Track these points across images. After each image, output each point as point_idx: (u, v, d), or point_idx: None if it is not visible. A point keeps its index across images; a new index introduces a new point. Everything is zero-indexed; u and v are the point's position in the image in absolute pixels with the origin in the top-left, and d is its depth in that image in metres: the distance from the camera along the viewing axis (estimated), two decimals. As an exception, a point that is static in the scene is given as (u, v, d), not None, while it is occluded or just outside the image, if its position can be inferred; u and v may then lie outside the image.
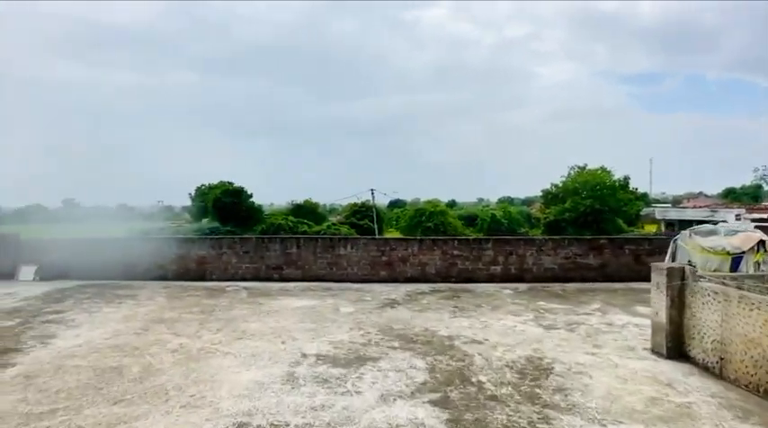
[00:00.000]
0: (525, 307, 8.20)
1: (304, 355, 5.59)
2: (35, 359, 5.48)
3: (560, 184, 37.01)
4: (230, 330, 6.66)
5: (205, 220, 50.61)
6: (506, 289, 9.67)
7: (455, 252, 10.39)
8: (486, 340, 6.20)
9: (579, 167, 38.44)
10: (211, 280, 10.68)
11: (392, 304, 8.40)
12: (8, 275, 10.74)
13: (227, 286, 10.04)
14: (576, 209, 31.32)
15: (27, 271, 10.63)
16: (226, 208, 45.98)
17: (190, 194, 61.57)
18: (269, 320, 7.21)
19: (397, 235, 59.94)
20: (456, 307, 8.19)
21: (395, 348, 5.84)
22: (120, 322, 7.10)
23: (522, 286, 10.00)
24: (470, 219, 55.30)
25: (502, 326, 6.90)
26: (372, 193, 44.93)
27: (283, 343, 6.08)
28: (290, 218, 49.78)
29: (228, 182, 50.64)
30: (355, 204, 57.33)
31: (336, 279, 10.52)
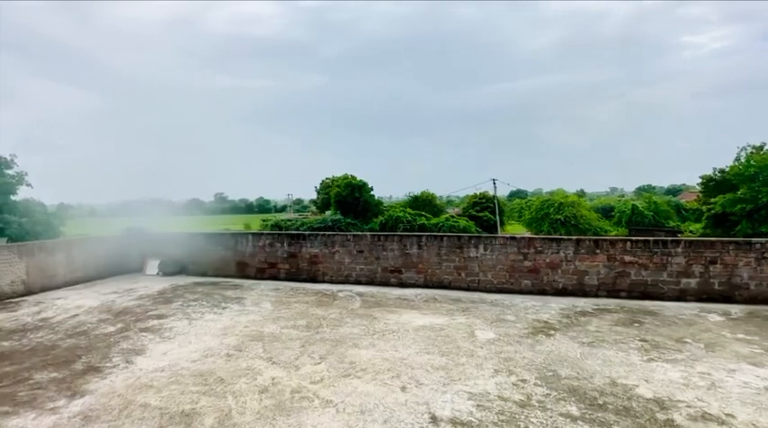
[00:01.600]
0: (761, 345, 5.35)
1: (434, 419, 3.72)
2: (109, 387, 4.43)
3: (728, 169, 30.08)
4: (336, 359, 5.08)
5: (328, 212, 52.04)
6: (711, 314, 6.74)
7: (626, 257, 7.67)
8: (731, 417, 3.70)
9: (755, 148, 30.91)
10: (323, 281, 9.41)
11: (546, 329, 6.14)
12: (137, 268, 10.67)
13: (340, 290, 8.65)
14: (756, 199, 24.92)
15: (152, 266, 10.42)
16: (347, 201, 46.55)
17: (315, 187, 64.34)
18: (385, 345, 5.50)
19: (520, 228, 55.64)
20: (644, 340, 5.64)
21: (574, 420, 3.68)
22: (216, 336, 5.96)
23: (735, 309, 6.95)
24: (605, 211, 48.67)
25: (742, 385, 4.28)
26: (494, 184, 41.63)
27: (404, 389, 4.28)
28: (408, 210, 48.80)
29: (351, 176, 51.41)
30: (475, 195, 54.37)
31: (466, 287, 8.52)
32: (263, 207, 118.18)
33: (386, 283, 9.05)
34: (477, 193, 53.55)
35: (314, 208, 67.41)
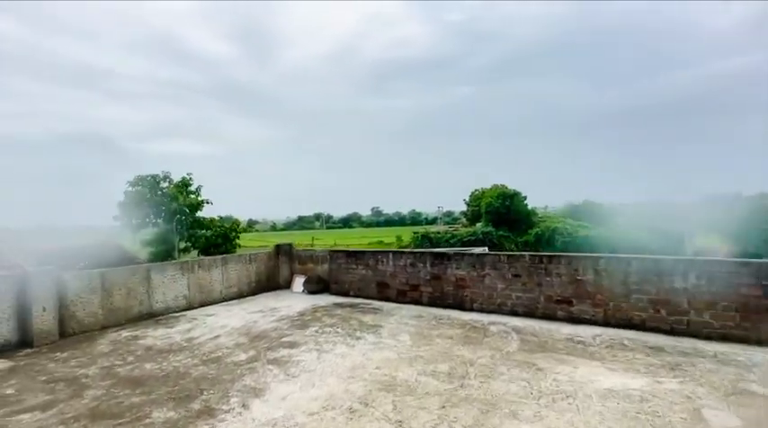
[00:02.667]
0: None
1: None
2: (213, 442, 3.73)
3: None
4: (487, 438, 3.61)
5: (479, 225, 49.94)
6: None
7: None
8: None
9: None
10: (471, 309, 7.94)
11: (839, 422, 3.70)
12: (286, 285, 10.65)
13: (491, 323, 7.09)
14: None
15: (298, 283, 10.26)
16: (498, 212, 43.93)
17: (464, 200, 62.75)
18: (558, 422, 3.83)
19: (722, 244, 45.69)
20: None
21: None
22: (342, 378, 5.00)
23: None
24: None
25: None
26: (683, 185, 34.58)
27: None
28: (568, 220, 43.87)
29: (502, 186, 48.61)
30: (650, 203, 46.45)
31: (668, 329, 6.18)
32: (414, 219, 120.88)
33: (550, 317, 7.17)
34: (653, 201, 45.67)
35: (464, 220, 65.83)
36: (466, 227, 56.17)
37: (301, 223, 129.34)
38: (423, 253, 8.59)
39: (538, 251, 41.28)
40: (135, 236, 22.56)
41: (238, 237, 22.01)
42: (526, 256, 7.44)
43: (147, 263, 8.12)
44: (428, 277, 8.47)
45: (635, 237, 39.97)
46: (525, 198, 47.05)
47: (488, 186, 52.86)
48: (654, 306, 6.36)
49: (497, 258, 7.71)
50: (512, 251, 41.55)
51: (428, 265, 8.48)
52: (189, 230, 20.39)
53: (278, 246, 10.69)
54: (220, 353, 6.00)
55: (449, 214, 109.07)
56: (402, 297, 8.80)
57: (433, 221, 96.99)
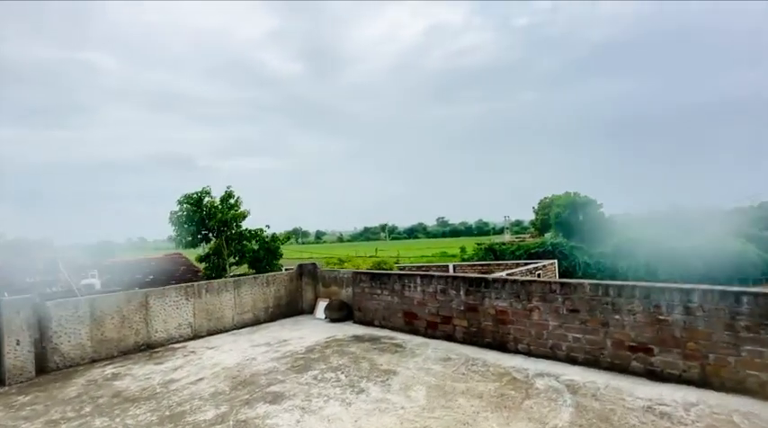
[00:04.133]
0: None
1: None
2: None
3: None
4: None
5: (548, 235, 46.38)
6: None
7: None
8: None
9: None
10: (515, 351, 6.21)
11: None
12: (309, 309, 9.49)
13: (538, 374, 5.35)
14: None
15: (321, 308, 9.06)
16: (569, 221, 40.36)
17: (533, 208, 58.99)
18: None
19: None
20: None
21: None
22: (312, 462, 3.62)
23: None
24: None
25: None
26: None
27: None
28: (651, 230, 39.20)
29: (574, 193, 44.88)
30: (753, 207, 40.23)
31: (806, 402, 4.12)
32: (481, 229, 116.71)
33: (621, 368, 5.29)
34: (756, 205, 39.35)
35: (533, 230, 61.89)
36: (534, 237, 52.56)
37: (367, 234, 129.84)
38: (455, 278, 7.00)
39: (615, 265, 37.13)
40: (189, 252, 22.80)
41: (279, 250, 21.33)
42: (586, 285, 5.61)
43: (145, 289, 7.29)
44: (462, 308, 6.86)
45: (732, 248, 34.69)
46: (601, 205, 42.97)
47: (558, 192, 49.07)
48: (781, 364, 4.32)
49: (548, 287, 5.94)
50: (579, 264, 37.71)
51: (462, 293, 6.87)
52: (237, 244, 20.09)
53: (300, 267, 9.58)
54: (188, 407, 4.86)
55: (517, 223, 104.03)
56: (432, 330, 7.25)
57: (501, 231, 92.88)
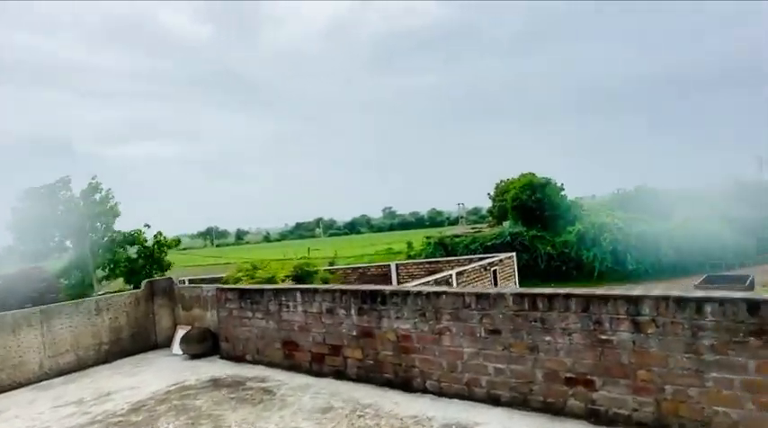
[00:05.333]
0: None
1: None
2: None
3: None
4: None
5: (506, 224, 47.03)
6: None
7: None
8: None
9: None
10: (422, 389, 5.32)
11: None
12: (168, 342, 8.18)
13: (448, 425, 4.47)
14: None
15: (178, 340, 7.79)
16: (527, 206, 40.97)
17: (489, 194, 59.84)
18: None
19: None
20: None
21: None
22: None
23: None
24: None
25: None
26: (760, 163, 31.22)
27: None
28: (619, 213, 40.62)
29: (530, 174, 45.64)
30: (725, 184, 42.72)
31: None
32: (434, 220, 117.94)
33: (556, 409, 4.51)
34: (731, 181, 41.85)
35: (490, 219, 62.87)
36: (492, 227, 53.27)
37: (300, 231, 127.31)
38: (344, 292, 6.00)
39: (580, 255, 38.13)
40: (43, 264, 20.47)
41: (163, 258, 19.58)
42: (508, 297, 4.78)
43: None
44: (354, 333, 5.88)
45: (707, 231, 36.55)
46: (562, 187, 43.98)
47: (517, 176, 49.84)
48: (756, 396, 3.67)
49: (461, 301, 5.07)
50: (541, 256, 38.44)
51: (353, 313, 5.88)
52: (108, 252, 18.11)
53: (151, 284, 8.23)
54: None
55: (475, 212, 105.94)
56: (318, 364, 6.23)
57: (456, 222, 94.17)
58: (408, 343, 5.44)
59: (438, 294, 5.23)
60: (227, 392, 5.86)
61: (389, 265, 36.67)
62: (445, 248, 41.47)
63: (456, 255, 39.68)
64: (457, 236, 44.12)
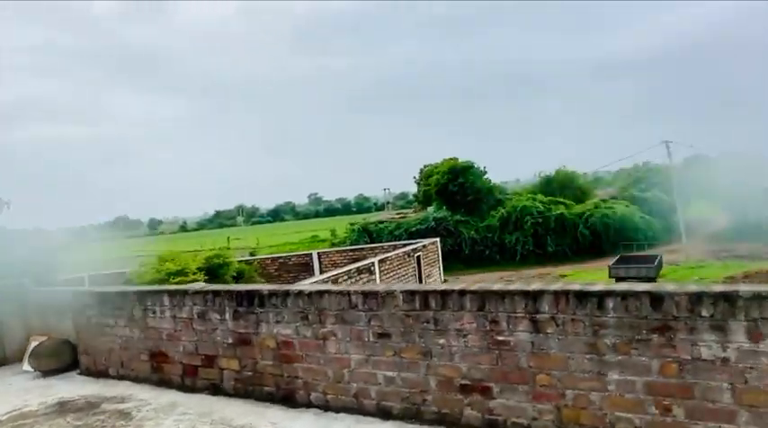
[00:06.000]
0: None
1: None
2: None
3: None
4: None
5: (430, 209, 47.45)
6: None
7: None
8: None
9: None
10: (306, 404, 4.71)
11: None
12: (19, 356, 7.02)
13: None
14: None
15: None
16: (451, 191, 41.45)
17: (414, 178, 60.17)
18: None
19: (713, 208, 45.44)
20: None
21: None
22: None
23: None
24: None
25: None
26: (668, 148, 33.37)
27: None
28: (540, 197, 42.06)
29: (454, 159, 46.18)
30: (637, 168, 45.46)
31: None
32: (361, 206, 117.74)
33: (452, 421, 4.06)
34: (640, 165, 44.59)
35: (416, 204, 63.39)
36: (417, 212, 53.64)
37: (220, 220, 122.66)
38: (217, 294, 5.24)
39: (503, 239, 39.15)
40: None
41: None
42: (398, 295, 4.25)
43: None
44: (230, 340, 5.15)
45: (621, 214, 38.59)
46: (485, 172, 44.90)
47: (441, 161, 50.30)
48: (659, 399, 3.36)
49: (347, 300, 4.48)
50: (465, 241, 39.13)
51: (228, 317, 5.14)
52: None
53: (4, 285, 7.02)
54: None
55: (402, 197, 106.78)
56: (191, 378, 5.45)
57: (383, 208, 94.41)
58: (290, 350, 4.79)
59: (321, 293, 4.61)
60: (74, 419, 4.96)
61: (311, 254, 35.84)
62: (369, 235, 41.18)
63: (381, 242, 39.46)
64: (381, 223, 43.99)
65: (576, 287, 3.65)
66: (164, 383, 5.62)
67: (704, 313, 3.25)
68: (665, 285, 3.47)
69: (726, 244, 37.25)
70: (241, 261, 31.92)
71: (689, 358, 3.29)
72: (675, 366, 3.33)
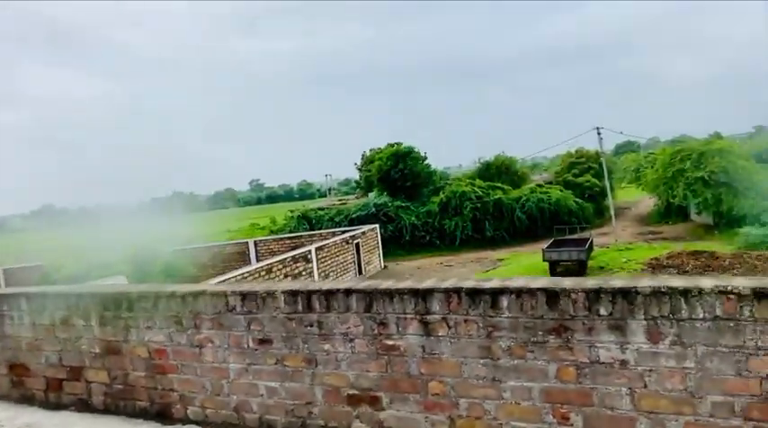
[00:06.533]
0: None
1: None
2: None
3: None
4: None
5: (372, 194, 47.08)
6: None
7: None
8: None
9: None
10: (184, 419, 4.15)
11: None
12: None
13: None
14: None
15: None
16: (392, 176, 41.20)
17: (356, 164, 59.56)
18: None
19: (638, 194, 47.53)
20: None
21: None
22: None
23: None
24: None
25: None
26: (599, 134, 34.34)
27: None
28: (478, 182, 42.50)
29: (396, 144, 45.90)
30: (570, 154, 46.73)
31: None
32: (304, 192, 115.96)
33: (339, 436, 3.61)
34: (573, 151, 45.84)
35: (359, 190, 62.86)
36: (360, 198, 53.15)
37: (157, 207, 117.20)
38: (80, 296, 4.56)
39: (443, 224, 39.34)
40: None
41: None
42: (278, 296, 3.73)
43: None
44: (97, 349, 4.49)
45: (555, 198, 39.56)
46: (426, 157, 44.89)
47: (383, 145, 49.84)
48: (557, 406, 3.03)
49: (223, 302, 3.93)
50: (406, 227, 39.09)
51: (94, 323, 4.47)
52: None
53: None
54: None
55: (346, 183, 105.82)
56: (56, 393, 4.75)
57: (326, 194, 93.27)
58: (163, 359, 4.19)
59: (195, 295, 4.02)
60: None
61: (247, 243, 34.76)
62: (309, 222, 40.37)
63: (321, 229, 38.74)
64: (321, 209, 43.23)
65: (469, 284, 3.26)
66: (26, 399, 4.88)
67: (602, 311, 2.93)
68: (561, 281, 3.13)
69: (652, 226, 39.05)
70: (172, 252, 30.48)
71: (587, 361, 2.97)
72: (573, 370, 3.00)
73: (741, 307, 2.67)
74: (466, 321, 3.23)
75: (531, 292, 3.07)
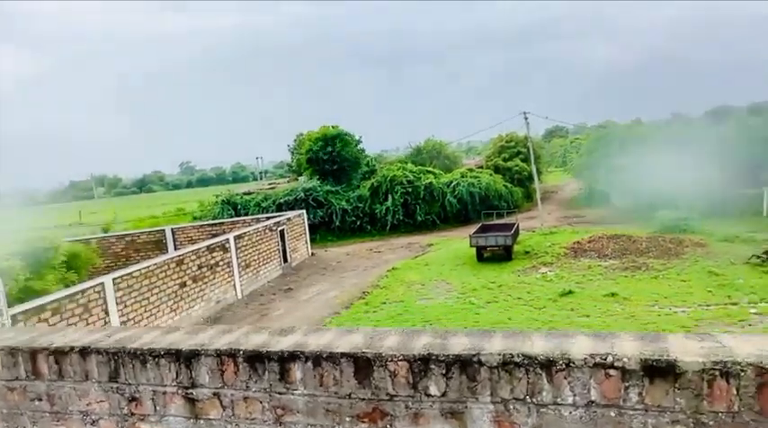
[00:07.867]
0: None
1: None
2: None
3: None
4: None
5: (302, 178, 45.49)
6: None
7: None
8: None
9: None
10: None
11: None
12: None
13: None
14: None
15: None
16: (322, 160, 39.77)
17: (288, 146, 57.55)
18: None
19: (564, 178, 48.55)
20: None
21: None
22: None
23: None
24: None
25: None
26: (526, 119, 34.33)
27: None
28: (409, 166, 41.83)
29: (330, 127, 44.34)
30: (500, 137, 46.92)
31: None
32: (237, 175, 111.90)
33: None
34: (504, 135, 46.00)
35: (291, 174, 60.90)
36: (291, 182, 51.33)
37: (75, 191, 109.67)
38: None
39: (374, 209, 38.49)
40: None
41: None
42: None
43: None
44: None
45: (484, 182, 39.56)
46: (360, 140, 43.66)
47: (327, 125, 48.03)
48: None
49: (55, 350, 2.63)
50: (336, 212, 38.06)
51: None
52: None
53: None
54: None
55: (280, 166, 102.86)
56: None
57: (260, 177, 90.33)
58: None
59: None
60: None
61: (164, 230, 32.47)
62: (234, 208, 38.36)
63: (246, 215, 36.86)
64: (248, 194, 41.25)
65: (251, 344, 2.17)
66: None
67: (432, 390, 1.93)
68: (381, 339, 2.10)
69: (577, 210, 39.94)
70: (76, 240, 27.89)
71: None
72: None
73: (626, 388, 1.74)
74: (246, 399, 2.15)
75: (334, 359, 2.02)
